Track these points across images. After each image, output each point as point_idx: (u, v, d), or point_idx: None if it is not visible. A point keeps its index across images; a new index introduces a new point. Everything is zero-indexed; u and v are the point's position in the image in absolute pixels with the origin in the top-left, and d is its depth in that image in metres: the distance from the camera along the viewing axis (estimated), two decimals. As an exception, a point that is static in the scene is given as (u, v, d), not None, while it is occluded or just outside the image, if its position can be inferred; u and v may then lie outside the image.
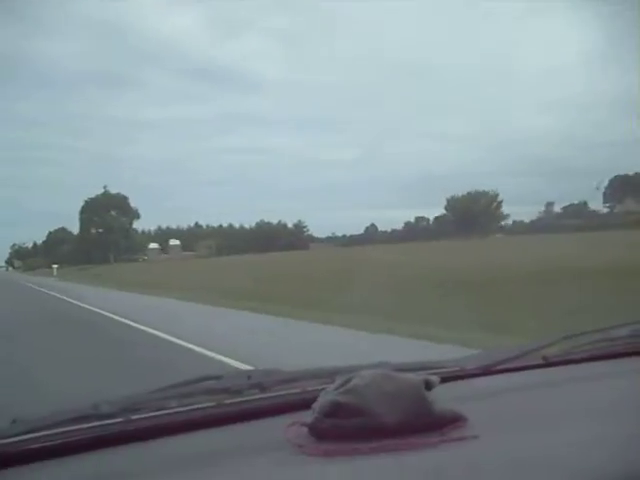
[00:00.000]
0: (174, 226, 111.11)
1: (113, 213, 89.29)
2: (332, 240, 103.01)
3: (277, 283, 20.30)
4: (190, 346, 9.14)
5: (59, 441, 1.16)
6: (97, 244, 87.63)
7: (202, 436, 1.23)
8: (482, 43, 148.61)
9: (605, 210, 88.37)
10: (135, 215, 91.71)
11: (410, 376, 1.17)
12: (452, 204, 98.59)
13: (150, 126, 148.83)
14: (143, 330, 11.72)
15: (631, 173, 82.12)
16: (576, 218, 77.32)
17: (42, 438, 1.15)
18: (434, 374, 1.26)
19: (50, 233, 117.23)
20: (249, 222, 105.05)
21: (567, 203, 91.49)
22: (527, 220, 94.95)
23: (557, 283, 12.60)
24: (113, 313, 15.32)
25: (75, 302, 20.85)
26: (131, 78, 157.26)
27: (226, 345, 8.85)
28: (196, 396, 1.33)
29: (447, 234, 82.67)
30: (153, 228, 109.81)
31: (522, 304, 10.84)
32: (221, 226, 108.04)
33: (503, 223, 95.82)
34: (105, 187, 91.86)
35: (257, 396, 1.35)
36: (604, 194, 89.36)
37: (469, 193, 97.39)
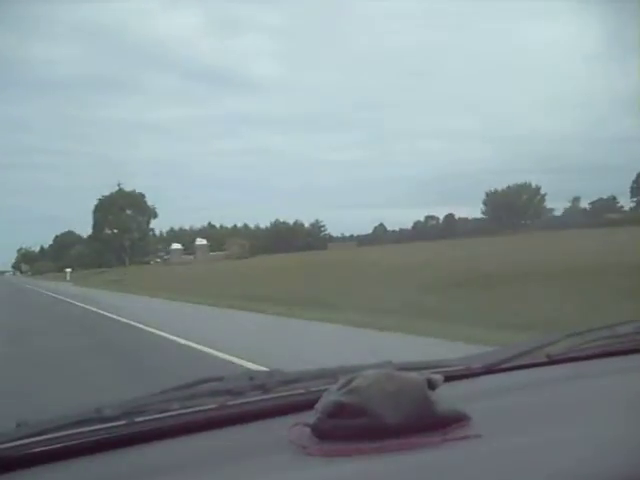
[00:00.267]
0: (186, 227, 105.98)
1: (129, 212, 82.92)
2: (348, 240, 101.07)
3: (355, 288, 16.84)
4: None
5: (63, 444, 1.16)
6: (111, 245, 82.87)
7: (205, 438, 1.23)
8: (487, 42, 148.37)
9: (632, 205, 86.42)
10: (152, 214, 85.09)
11: (413, 375, 1.16)
12: (492, 199, 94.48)
13: (151, 129, 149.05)
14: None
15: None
16: (606, 213, 75.38)
17: (46, 442, 1.15)
18: (437, 373, 1.26)
19: (57, 237, 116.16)
20: (262, 222, 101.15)
21: (595, 198, 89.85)
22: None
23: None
24: (177, 335, 11.15)
25: (114, 317, 16.62)
26: (131, 81, 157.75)
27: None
28: (198, 398, 1.33)
29: (483, 231, 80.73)
30: (165, 229, 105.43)
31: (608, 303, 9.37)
32: (235, 226, 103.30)
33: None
34: (119, 184, 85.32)
35: (260, 397, 1.35)
36: (631, 189, 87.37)
37: (509, 187, 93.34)
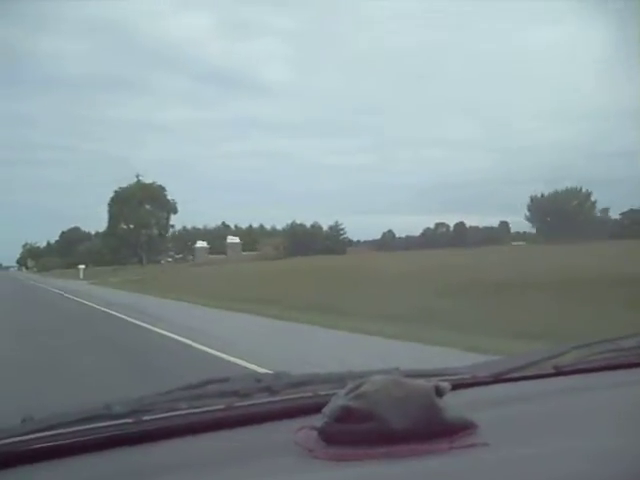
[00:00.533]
0: (200, 226, 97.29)
1: (147, 206, 73.96)
2: (366, 245, 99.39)
3: (414, 298, 14.50)
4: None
5: (70, 440, 1.16)
6: (127, 242, 73.81)
7: (211, 438, 1.23)
8: (492, 49, 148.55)
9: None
10: (172, 209, 75.50)
11: (421, 382, 1.16)
12: (538, 205, 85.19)
13: (159, 129, 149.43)
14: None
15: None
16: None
17: (53, 437, 1.16)
18: (445, 381, 1.26)
19: (63, 233, 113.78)
20: (279, 224, 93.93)
21: (626, 209, 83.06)
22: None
23: None
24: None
25: (164, 332, 12.68)
26: (140, 81, 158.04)
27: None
28: (206, 399, 1.33)
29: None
30: (177, 228, 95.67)
31: None
32: (251, 226, 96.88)
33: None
34: (138, 176, 75.74)
35: (267, 399, 1.35)
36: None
37: (557, 192, 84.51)
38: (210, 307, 19.12)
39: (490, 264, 23.94)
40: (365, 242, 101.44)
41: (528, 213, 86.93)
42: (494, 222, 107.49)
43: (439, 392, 1.14)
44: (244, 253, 68.85)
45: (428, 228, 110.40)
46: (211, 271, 41.42)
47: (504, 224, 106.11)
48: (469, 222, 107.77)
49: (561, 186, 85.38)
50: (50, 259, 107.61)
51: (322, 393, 1.34)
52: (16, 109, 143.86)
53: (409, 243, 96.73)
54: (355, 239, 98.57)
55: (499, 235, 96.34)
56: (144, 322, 15.06)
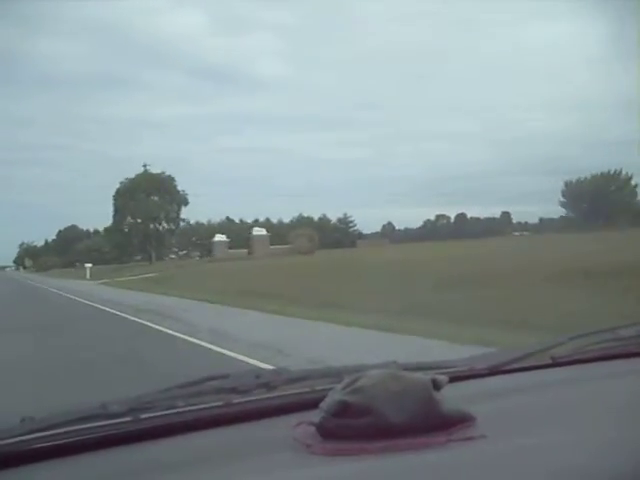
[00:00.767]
0: (204, 221, 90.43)
1: (155, 198, 66.25)
2: (374, 237, 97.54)
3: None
4: None
5: (68, 440, 1.16)
6: (135, 237, 66.29)
7: (210, 435, 1.23)
8: (489, 43, 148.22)
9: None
10: (183, 201, 67.69)
11: (418, 376, 1.17)
12: (572, 190, 76.97)
13: (155, 126, 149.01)
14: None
15: None
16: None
17: (51, 437, 1.16)
18: (442, 374, 1.26)
19: (60, 231, 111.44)
20: (286, 217, 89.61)
21: None
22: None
23: None
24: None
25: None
26: (136, 78, 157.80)
27: None
28: (204, 395, 1.33)
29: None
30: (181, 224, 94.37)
31: None
32: (257, 220, 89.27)
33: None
34: (145, 165, 67.87)
35: (265, 395, 1.35)
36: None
37: (594, 176, 75.48)
38: (267, 313, 14.60)
39: (521, 254, 22.52)
40: (373, 234, 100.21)
41: (563, 199, 79.42)
42: (495, 213, 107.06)
43: (436, 385, 1.14)
44: (272, 247, 59.38)
45: (428, 220, 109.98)
46: (239, 267, 34.86)
47: (506, 214, 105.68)
48: (470, 213, 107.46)
49: (596, 170, 77.24)
50: (48, 258, 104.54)
51: (319, 388, 1.34)
52: (11, 108, 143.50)
53: (410, 235, 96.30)
54: (356, 232, 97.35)
55: (501, 226, 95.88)
56: (202, 340, 10.88)
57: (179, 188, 66.89)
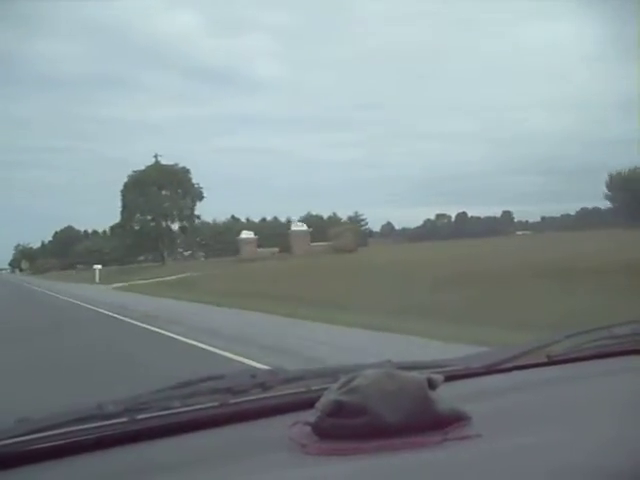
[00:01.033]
0: (209, 220, 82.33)
1: (166, 192, 59.09)
2: (378, 236, 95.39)
3: None
4: None
5: (64, 441, 1.16)
6: (146, 236, 58.76)
7: (206, 436, 1.23)
8: (487, 43, 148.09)
9: None
10: (198, 196, 60.34)
11: (413, 375, 1.17)
12: (618, 182, 71.18)
13: (153, 127, 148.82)
14: None
15: None
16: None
17: (47, 438, 1.15)
18: (438, 373, 1.26)
19: (57, 233, 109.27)
20: (295, 216, 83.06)
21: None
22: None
23: None
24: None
25: None
26: (133, 79, 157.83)
27: None
28: (200, 396, 1.33)
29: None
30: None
31: None
32: (265, 219, 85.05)
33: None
34: (156, 156, 60.21)
35: (261, 395, 1.35)
36: None
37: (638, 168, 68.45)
38: (360, 328, 11.30)
39: (545, 251, 21.60)
40: (374, 233, 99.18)
41: (608, 192, 73.92)
42: (496, 212, 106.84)
43: (432, 384, 1.14)
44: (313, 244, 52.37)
45: (428, 219, 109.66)
46: (283, 267, 30.07)
47: (507, 213, 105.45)
48: (470, 212, 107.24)
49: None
50: (46, 260, 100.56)
51: (315, 388, 1.34)
52: (8, 109, 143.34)
53: (409, 235, 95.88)
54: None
55: (503, 225, 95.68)
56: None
57: (194, 182, 60.20)
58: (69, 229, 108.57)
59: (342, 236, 51.46)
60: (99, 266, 49.39)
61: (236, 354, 9.32)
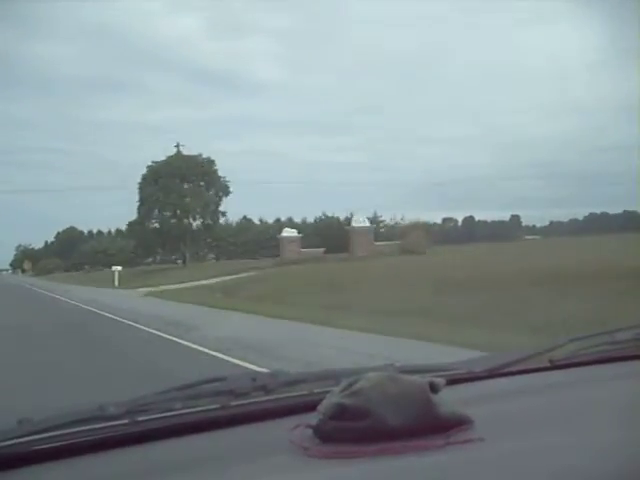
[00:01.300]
0: (221, 221, 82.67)
1: (189, 186, 51.89)
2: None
3: None
4: None
5: (65, 442, 1.16)
6: (165, 234, 51.46)
7: (207, 438, 1.23)
8: (487, 47, 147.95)
9: None
10: (224, 190, 52.68)
11: (416, 378, 1.17)
12: None
13: (153, 129, 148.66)
14: None
15: None
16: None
17: (48, 439, 1.15)
18: (440, 376, 1.26)
19: (59, 233, 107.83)
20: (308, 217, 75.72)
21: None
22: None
23: None
24: None
25: None
26: (133, 82, 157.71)
27: None
28: (201, 398, 1.33)
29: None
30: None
31: None
32: (279, 220, 77.55)
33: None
34: (178, 145, 53.57)
35: (262, 398, 1.35)
36: None
37: None
38: None
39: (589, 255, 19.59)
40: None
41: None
42: (504, 216, 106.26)
43: (434, 388, 1.14)
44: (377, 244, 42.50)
45: (435, 223, 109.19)
46: (358, 271, 23.59)
47: (515, 217, 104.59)
48: (477, 216, 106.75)
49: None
50: (50, 261, 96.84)
51: (317, 391, 1.34)
52: (8, 110, 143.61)
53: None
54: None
55: (511, 229, 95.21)
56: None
57: (220, 174, 52.54)
58: (71, 230, 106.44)
59: (411, 235, 42.50)
60: (119, 267, 43.30)
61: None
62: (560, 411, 1.28)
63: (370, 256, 34.46)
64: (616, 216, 78.70)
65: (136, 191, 52.78)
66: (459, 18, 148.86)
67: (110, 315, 18.61)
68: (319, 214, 66.80)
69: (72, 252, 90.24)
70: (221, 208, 53.70)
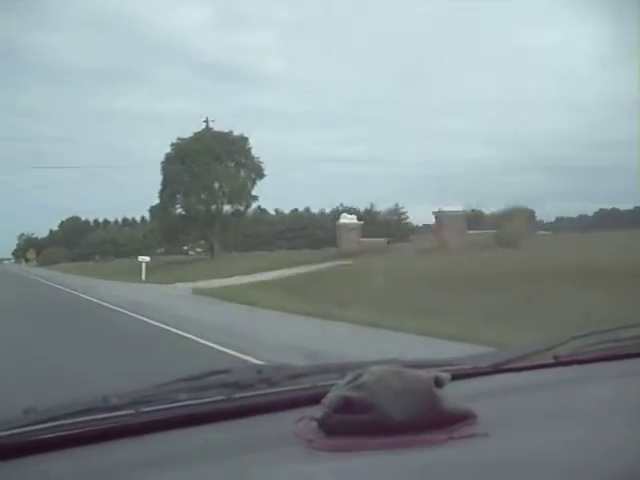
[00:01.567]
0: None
1: (219, 166, 43.29)
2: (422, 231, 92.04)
3: None
4: None
5: (69, 432, 1.16)
6: (191, 221, 43.46)
7: (211, 430, 1.23)
8: (488, 43, 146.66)
9: None
10: (259, 173, 44.66)
11: (421, 373, 1.17)
12: None
13: (158, 120, 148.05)
14: None
15: None
16: None
17: (53, 429, 1.16)
18: (445, 371, 1.26)
19: (63, 222, 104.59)
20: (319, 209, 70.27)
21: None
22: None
23: None
24: None
25: None
26: (139, 73, 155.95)
27: None
28: (206, 390, 1.33)
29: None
30: None
31: None
32: (296, 210, 70.45)
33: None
34: (207, 120, 45.93)
35: (267, 391, 1.35)
36: None
37: None
38: None
39: None
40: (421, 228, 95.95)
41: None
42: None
43: (439, 383, 1.14)
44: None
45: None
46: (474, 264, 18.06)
47: (530, 213, 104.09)
48: (486, 211, 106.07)
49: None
50: (55, 250, 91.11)
51: (322, 384, 1.34)
52: (15, 99, 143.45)
53: (422, 232, 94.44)
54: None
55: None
56: None
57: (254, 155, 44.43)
58: (75, 219, 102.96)
59: (508, 225, 32.55)
60: (147, 258, 35.16)
61: None
62: (564, 407, 1.28)
63: (462, 247, 27.41)
64: (627, 212, 78.38)
65: (142, 180, 48.15)
66: (461, 14, 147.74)
67: (207, 343, 10.22)
68: (337, 205, 62.80)
69: (78, 242, 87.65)
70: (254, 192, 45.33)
